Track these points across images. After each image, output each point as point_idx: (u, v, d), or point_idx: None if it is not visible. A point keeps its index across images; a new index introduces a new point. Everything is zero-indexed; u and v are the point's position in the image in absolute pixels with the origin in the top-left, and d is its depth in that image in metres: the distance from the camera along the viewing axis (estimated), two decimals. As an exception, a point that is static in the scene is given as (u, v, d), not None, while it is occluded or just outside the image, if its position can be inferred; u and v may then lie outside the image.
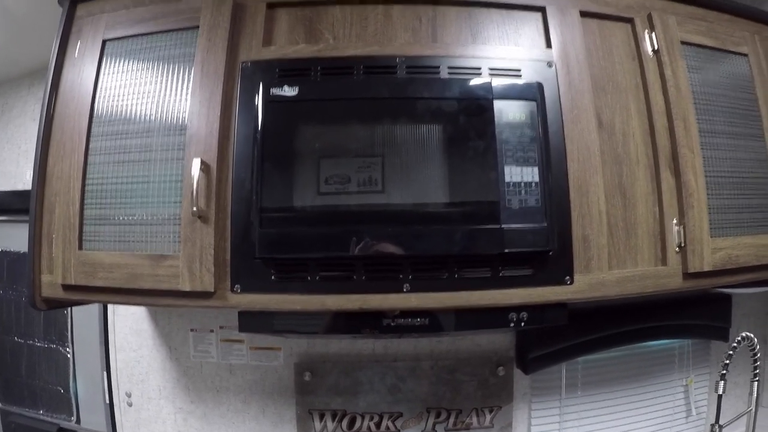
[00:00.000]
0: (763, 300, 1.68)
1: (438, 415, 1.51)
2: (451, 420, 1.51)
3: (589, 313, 1.49)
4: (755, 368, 1.34)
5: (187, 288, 0.98)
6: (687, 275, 1.09)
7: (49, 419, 1.89)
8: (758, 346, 1.31)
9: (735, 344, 1.30)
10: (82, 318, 1.77)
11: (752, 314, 1.67)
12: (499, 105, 0.97)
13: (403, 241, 0.93)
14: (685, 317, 1.56)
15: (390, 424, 1.51)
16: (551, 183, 0.99)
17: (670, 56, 1.15)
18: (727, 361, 1.30)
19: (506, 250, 0.94)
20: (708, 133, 1.16)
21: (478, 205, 0.95)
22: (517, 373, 1.53)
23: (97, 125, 1.10)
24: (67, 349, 1.81)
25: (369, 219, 0.94)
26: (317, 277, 0.96)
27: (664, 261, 1.09)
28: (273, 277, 0.97)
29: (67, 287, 1.08)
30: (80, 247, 1.06)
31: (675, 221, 1.09)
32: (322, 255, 0.95)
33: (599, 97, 1.11)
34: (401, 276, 0.96)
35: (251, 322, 1.01)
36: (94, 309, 1.71)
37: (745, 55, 1.26)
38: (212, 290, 0.97)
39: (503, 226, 0.94)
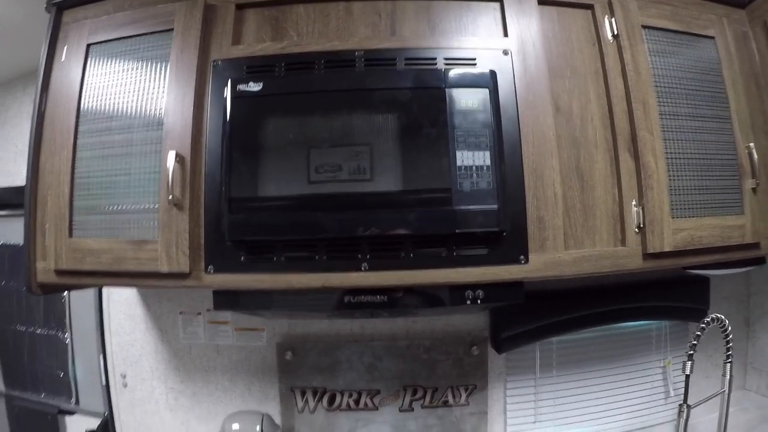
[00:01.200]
0: (745, 282, 1.76)
1: (414, 393, 1.64)
2: (428, 397, 1.64)
3: (563, 294, 1.60)
4: (728, 350, 1.40)
5: (165, 270, 1.12)
6: (647, 255, 1.17)
7: (50, 402, 2.05)
8: (729, 328, 1.38)
9: (703, 325, 1.36)
10: (80, 305, 1.93)
11: (733, 297, 1.76)
12: (451, 93, 1.08)
13: (358, 224, 1.05)
14: (662, 299, 1.63)
15: (368, 401, 1.64)
16: (505, 166, 1.09)
17: (630, 41, 1.23)
18: (695, 342, 1.37)
19: (457, 231, 1.04)
20: (670, 115, 1.23)
21: (430, 189, 1.05)
22: (492, 353, 1.64)
23: (84, 123, 1.24)
24: (66, 335, 1.97)
25: (326, 205, 1.06)
26: (282, 258, 1.09)
27: (623, 242, 1.18)
28: (243, 259, 1.10)
29: (59, 272, 1.22)
30: (70, 235, 1.21)
31: (634, 202, 1.18)
32: (286, 238, 1.07)
33: (557, 82, 1.21)
34: (359, 256, 1.08)
35: (225, 300, 1.14)
36: (90, 297, 1.86)
37: (712, 38, 1.33)
38: (188, 271, 1.11)
39: (455, 207, 1.04)
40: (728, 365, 1.40)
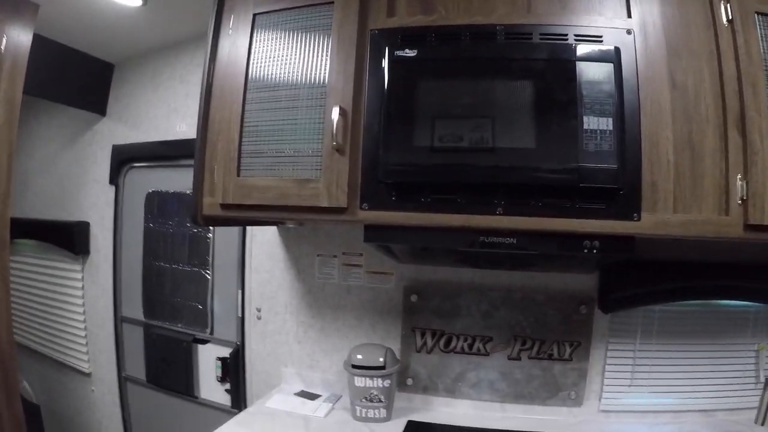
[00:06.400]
0: None
1: (524, 343, 1.94)
2: (535, 349, 1.93)
3: (669, 264, 1.80)
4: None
5: (325, 204, 1.45)
6: (748, 226, 1.32)
7: (186, 331, 2.52)
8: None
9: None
10: (222, 245, 2.37)
11: None
12: (580, 66, 1.33)
13: (496, 172, 1.34)
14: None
15: (481, 347, 1.97)
16: (625, 133, 1.33)
17: (743, 26, 1.37)
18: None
19: (581, 185, 1.31)
20: (780, 97, 1.38)
21: (559, 146, 1.32)
22: (598, 314, 1.89)
23: (252, 81, 1.59)
24: (208, 272, 2.42)
25: (471, 155, 1.36)
26: (429, 199, 1.39)
27: (726, 212, 1.34)
28: (394, 198, 1.42)
29: (225, 206, 1.59)
30: (238, 174, 1.57)
31: (739, 176, 1.33)
32: (434, 181, 1.39)
33: (674, 61, 1.40)
34: (495, 201, 1.36)
35: (375, 234, 1.49)
36: (233, 237, 2.30)
37: (834, 20, 1.43)
38: (345, 206, 1.44)
39: (580, 164, 1.30)
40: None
